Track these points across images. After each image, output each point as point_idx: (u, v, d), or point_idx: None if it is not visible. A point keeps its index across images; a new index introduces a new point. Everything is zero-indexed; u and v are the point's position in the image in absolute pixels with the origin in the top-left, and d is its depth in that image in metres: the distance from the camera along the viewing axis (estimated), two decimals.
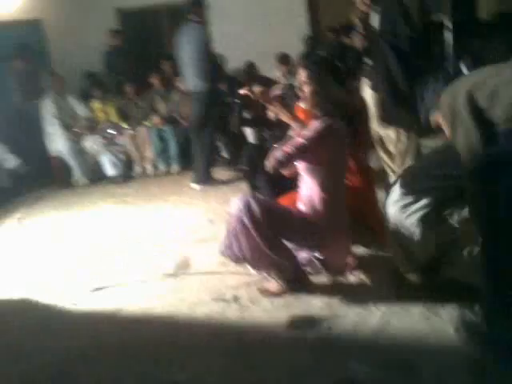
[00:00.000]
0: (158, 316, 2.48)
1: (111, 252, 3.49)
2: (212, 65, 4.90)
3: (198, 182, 5.01)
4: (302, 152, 2.32)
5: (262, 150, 3.76)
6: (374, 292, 2.41)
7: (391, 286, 2.39)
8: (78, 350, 2.26)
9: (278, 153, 2.33)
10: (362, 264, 2.63)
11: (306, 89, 2.40)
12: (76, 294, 2.85)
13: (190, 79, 4.86)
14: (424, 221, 2.12)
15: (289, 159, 2.34)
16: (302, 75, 2.41)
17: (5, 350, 2.39)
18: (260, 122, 4.09)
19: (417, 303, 2.20)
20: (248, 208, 2.28)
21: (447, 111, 2.08)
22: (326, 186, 2.38)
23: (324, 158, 2.35)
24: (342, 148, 2.42)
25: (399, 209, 2.20)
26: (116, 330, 2.41)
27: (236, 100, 3.82)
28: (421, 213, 2.13)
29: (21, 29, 6.69)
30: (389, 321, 2.14)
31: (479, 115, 1.94)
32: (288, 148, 2.32)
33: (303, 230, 2.40)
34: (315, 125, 2.34)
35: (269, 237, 2.30)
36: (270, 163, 2.35)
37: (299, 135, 2.37)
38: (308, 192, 2.45)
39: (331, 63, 2.51)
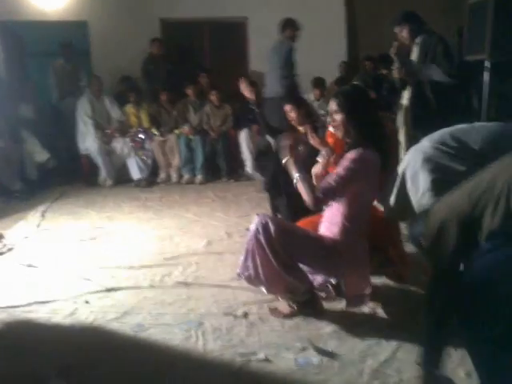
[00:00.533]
0: (165, 323, 2.47)
1: (125, 254, 3.52)
2: (290, 76, 5.42)
3: None
4: (344, 186, 2.27)
5: (285, 171, 3.77)
6: (387, 325, 2.36)
7: (405, 320, 2.34)
8: (83, 351, 2.27)
9: (318, 190, 2.26)
10: (377, 295, 2.58)
11: (337, 117, 2.38)
12: (88, 293, 2.87)
13: (270, 86, 5.40)
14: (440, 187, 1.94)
15: (332, 194, 2.28)
16: (333, 104, 2.40)
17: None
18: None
19: None
20: (265, 228, 2.27)
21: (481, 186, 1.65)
22: (350, 214, 2.35)
23: (356, 189, 2.32)
24: (375, 179, 2.38)
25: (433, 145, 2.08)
26: (126, 331, 2.42)
27: (252, 106, 3.87)
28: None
29: (67, 29, 6.91)
30: (398, 357, 2.09)
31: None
32: (330, 184, 2.25)
33: (320, 256, 2.37)
34: (352, 156, 2.29)
35: (283, 258, 2.28)
36: (311, 200, 2.25)
37: (338, 168, 2.32)
38: (330, 217, 2.42)
39: (364, 92, 2.50)
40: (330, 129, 2.72)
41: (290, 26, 5.51)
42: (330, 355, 2.12)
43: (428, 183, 1.99)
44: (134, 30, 6.81)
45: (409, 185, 2.12)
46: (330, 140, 2.84)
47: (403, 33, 3.97)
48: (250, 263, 2.33)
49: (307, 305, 2.43)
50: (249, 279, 2.40)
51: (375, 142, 2.32)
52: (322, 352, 2.14)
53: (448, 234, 1.63)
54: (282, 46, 5.47)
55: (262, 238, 2.26)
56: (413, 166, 2.09)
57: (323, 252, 2.36)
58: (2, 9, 6.51)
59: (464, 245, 1.61)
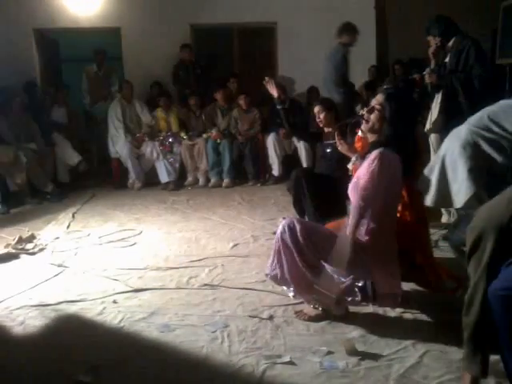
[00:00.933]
0: (191, 324, 2.49)
1: (152, 255, 3.56)
2: (344, 81, 5.45)
3: None
4: (372, 199, 2.28)
5: (310, 174, 3.77)
6: (414, 330, 2.32)
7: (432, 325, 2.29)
8: (111, 350, 2.31)
9: (352, 217, 2.28)
10: (404, 299, 2.53)
11: (377, 113, 2.37)
12: (115, 294, 2.91)
13: (327, 92, 5.38)
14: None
15: (364, 211, 2.29)
16: (379, 99, 2.38)
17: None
18: (314, 136, 4.12)
19: (460, 350, 2.09)
20: (291, 229, 2.27)
21: None
22: (376, 216, 2.32)
23: (380, 189, 2.30)
24: (398, 180, 2.35)
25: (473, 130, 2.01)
26: (152, 331, 2.44)
27: (277, 104, 3.87)
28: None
29: (100, 35, 7.09)
30: (425, 363, 2.05)
31: None
32: (359, 204, 2.27)
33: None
34: (373, 158, 2.27)
35: (309, 259, 2.27)
36: (351, 232, 2.28)
37: (362, 179, 2.31)
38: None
39: (409, 93, 2.50)
40: (360, 133, 2.69)
41: (346, 31, 5.39)
42: (356, 362, 2.09)
43: (465, 173, 1.95)
44: (165, 35, 6.92)
45: (449, 173, 2.08)
46: (358, 145, 2.81)
47: (435, 40, 3.91)
48: (276, 263, 2.35)
49: (333, 308, 2.41)
50: (275, 279, 2.41)
51: (404, 143, 2.31)
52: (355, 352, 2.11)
53: (486, 243, 1.59)
54: (337, 53, 5.38)
55: (287, 238, 2.27)
56: (451, 153, 2.05)
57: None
58: (38, 17, 6.72)
59: (501, 253, 1.56)
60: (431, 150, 4.03)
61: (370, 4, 7.27)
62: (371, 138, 2.41)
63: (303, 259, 2.26)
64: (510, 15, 4.65)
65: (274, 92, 3.83)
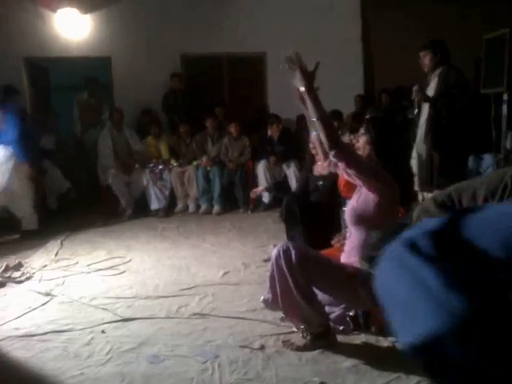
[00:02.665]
0: (181, 355, 2.45)
1: (141, 284, 3.52)
2: None
3: None
4: (358, 163, 2.29)
5: (301, 202, 3.78)
6: (407, 360, 2.29)
7: None
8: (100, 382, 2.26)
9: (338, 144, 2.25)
10: None
11: (361, 139, 2.47)
12: (104, 323, 2.86)
13: None
14: None
15: (348, 154, 2.27)
16: (361, 129, 2.50)
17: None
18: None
19: None
20: (286, 253, 2.28)
21: None
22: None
23: (377, 211, 2.33)
24: (394, 205, 2.40)
25: None
26: (141, 362, 2.40)
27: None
28: None
29: (90, 64, 7.15)
30: None
31: None
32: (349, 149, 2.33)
33: (341, 284, 2.35)
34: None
35: (302, 286, 2.27)
36: (329, 144, 2.26)
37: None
38: (351, 246, 2.43)
39: (391, 121, 2.60)
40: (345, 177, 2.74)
41: None
42: None
43: None
44: (156, 64, 7.01)
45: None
46: (344, 189, 2.83)
47: (426, 59, 4.03)
48: (269, 287, 2.36)
49: (321, 337, 2.39)
50: (266, 303, 2.43)
51: (396, 171, 2.36)
52: None
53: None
54: None
55: (282, 262, 2.27)
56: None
57: (345, 280, 2.34)
58: (28, 45, 6.77)
59: None
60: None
61: (357, 35, 7.47)
62: None
63: (296, 285, 2.26)
64: (492, 47, 4.81)
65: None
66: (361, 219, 2.38)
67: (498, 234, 0.71)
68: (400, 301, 0.71)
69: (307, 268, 2.27)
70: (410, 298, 0.69)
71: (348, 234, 2.53)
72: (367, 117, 2.59)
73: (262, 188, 5.20)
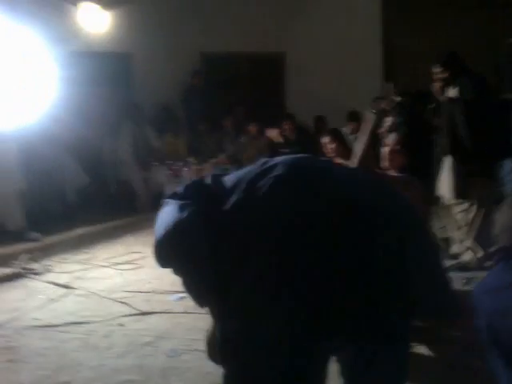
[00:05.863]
0: (199, 349, 2.46)
1: (160, 279, 3.55)
2: None
3: None
4: None
5: None
6: (420, 365, 2.29)
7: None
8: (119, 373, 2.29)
9: None
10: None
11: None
12: (122, 316, 2.90)
13: None
14: None
15: None
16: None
17: None
18: None
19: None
20: None
21: None
22: None
23: None
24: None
25: None
26: (159, 356, 2.42)
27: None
28: None
29: (112, 60, 7.21)
30: None
31: None
32: None
33: None
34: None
35: None
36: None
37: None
38: None
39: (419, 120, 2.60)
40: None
41: None
42: None
43: None
44: (175, 62, 7.05)
45: None
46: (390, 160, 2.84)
47: (443, 75, 3.86)
48: None
49: None
50: None
51: (422, 170, 2.38)
52: None
53: None
54: None
55: None
56: None
57: None
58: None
59: None
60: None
61: (377, 36, 7.43)
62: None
63: None
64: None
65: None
66: None
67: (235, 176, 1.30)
68: (161, 220, 1.31)
69: None
70: (163, 217, 1.31)
71: None
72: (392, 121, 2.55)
73: None
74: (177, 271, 1.33)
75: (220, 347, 1.29)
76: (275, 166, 1.27)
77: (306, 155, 1.37)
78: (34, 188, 5.29)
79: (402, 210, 1.30)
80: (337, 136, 3.78)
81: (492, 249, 2.17)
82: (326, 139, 3.72)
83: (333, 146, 3.68)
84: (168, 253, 1.29)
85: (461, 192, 3.50)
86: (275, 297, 1.16)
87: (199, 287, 1.32)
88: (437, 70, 3.87)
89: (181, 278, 1.34)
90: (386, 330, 1.18)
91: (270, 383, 1.22)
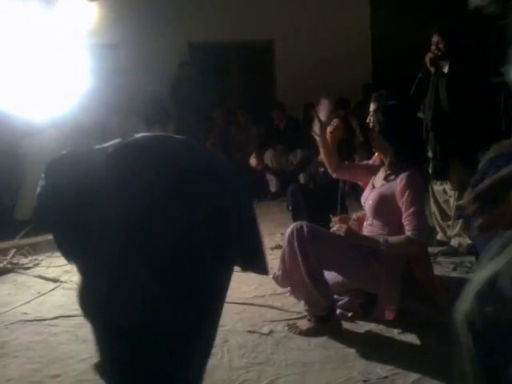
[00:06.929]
0: None
1: None
2: None
3: None
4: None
5: (307, 189, 3.77)
6: (412, 349, 2.29)
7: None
8: None
9: (415, 233, 2.30)
10: (403, 317, 2.51)
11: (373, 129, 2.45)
12: None
13: None
14: None
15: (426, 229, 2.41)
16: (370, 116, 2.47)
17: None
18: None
19: None
20: (299, 230, 2.30)
21: None
22: (393, 230, 2.40)
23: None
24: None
25: None
26: None
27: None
28: None
29: (99, 51, 7.11)
30: (429, 377, 2.02)
31: None
32: (417, 222, 2.30)
33: (356, 264, 2.38)
34: (409, 181, 2.32)
35: (312, 266, 2.29)
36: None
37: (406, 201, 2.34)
38: (371, 232, 2.47)
39: (407, 108, 2.57)
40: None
41: None
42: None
43: None
44: (163, 52, 6.98)
45: None
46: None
47: (440, 45, 3.72)
48: (280, 264, 2.41)
49: (324, 320, 2.39)
50: (276, 279, 2.50)
51: (416, 163, 2.37)
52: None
53: None
54: None
55: (294, 240, 2.28)
56: None
57: (360, 261, 2.35)
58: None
59: None
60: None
61: (366, 23, 7.41)
62: (384, 158, 2.48)
63: (306, 264, 2.28)
64: (502, 35, 4.70)
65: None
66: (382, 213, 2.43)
67: None
68: None
69: (319, 244, 2.29)
70: None
71: (369, 222, 2.54)
72: (373, 108, 2.53)
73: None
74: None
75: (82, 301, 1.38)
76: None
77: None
78: None
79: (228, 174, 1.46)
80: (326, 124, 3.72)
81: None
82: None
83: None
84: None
85: (437, 173, 3.48)
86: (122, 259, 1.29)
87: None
88: (434, 40, 3.79)
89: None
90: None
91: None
